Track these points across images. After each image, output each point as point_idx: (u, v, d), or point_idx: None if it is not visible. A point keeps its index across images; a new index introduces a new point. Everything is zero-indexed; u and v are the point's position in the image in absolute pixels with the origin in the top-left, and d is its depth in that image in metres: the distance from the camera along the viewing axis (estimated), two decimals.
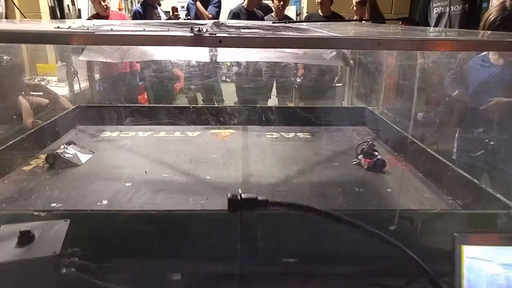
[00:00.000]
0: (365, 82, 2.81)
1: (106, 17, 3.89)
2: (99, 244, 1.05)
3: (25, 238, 0.92)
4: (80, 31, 0.97)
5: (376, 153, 1.84)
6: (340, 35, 0.97)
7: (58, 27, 1.16)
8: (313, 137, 2.23)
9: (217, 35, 0.94)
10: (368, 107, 2.55)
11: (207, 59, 1.30)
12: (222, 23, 1.41)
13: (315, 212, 0.63)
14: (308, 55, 1.48)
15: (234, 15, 4.12)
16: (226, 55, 1.33)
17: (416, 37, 1.07)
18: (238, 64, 3.86)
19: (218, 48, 1.23)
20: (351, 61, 1.98)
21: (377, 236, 0.65)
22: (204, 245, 1.10)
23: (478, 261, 0.94)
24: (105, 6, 3.79)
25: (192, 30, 0.92)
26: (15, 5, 3.38)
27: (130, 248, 1.09)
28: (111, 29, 1.10)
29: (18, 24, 1.79)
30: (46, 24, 1.71)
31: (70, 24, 1.36)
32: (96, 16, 4.08)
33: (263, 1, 4.78)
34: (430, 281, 0.66)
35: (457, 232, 0.96)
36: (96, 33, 0.90)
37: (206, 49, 1.29)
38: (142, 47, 1.22)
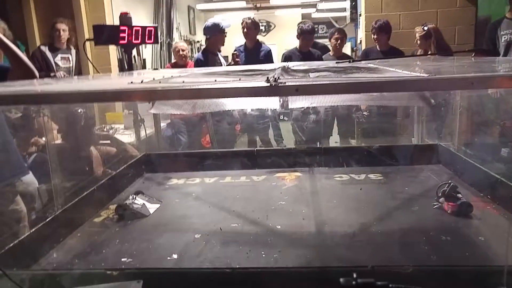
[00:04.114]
0: (436, 116, 2.63)
1: (184, 66, 4.21)
2: None
3: None
4: (155, 88, 0.96)
5: (460, 195, 1.67)
6: (425, 75, 0.88)
7: (132, 82, 1.18)
8: (386, 178, 2.08)
9: (293, 83, 0.89)
10: (442, 144, 2.36)
11: (278, 106, 1.26)
12: (289, 67, 1.38)
13: None
14: (385, 96, 1.40)
15: (286, 58, 4.17)
16: (298, 101, 1.29)
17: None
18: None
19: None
20: (432, 100, 1.85)
21: None
22: None
23: None
24: (183, 56, 4.25)
25: (268, 80, 0.88)
26: (90, 61, 3.67)
27: None
28: (183, 82, 1.09)
29: (93, 81, 1.89)
30: (118, 80, 1.78)
31: (141, 78, 1.39)
32: (175, 64, 4.42)
33: (319, 41, 4.80)
34: None
35: None
36: (172, 88, 0.89)
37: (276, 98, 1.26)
38: None
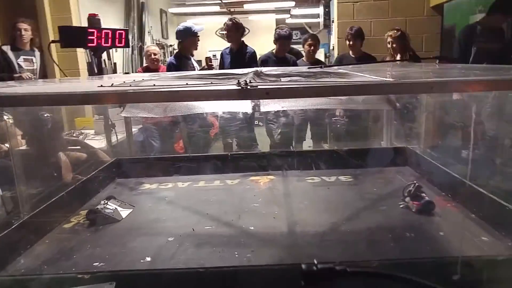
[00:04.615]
0: (404, 121, 2.73)
1: (156, 70, 4.15)
2: None
3: None
4: (126, 90, 0.97)
5: (424, 195, 1.75)
6: (391, 80, 0.93)
7: (101, 86, 1.17)
8: (356, 180, 2.15)
9: (264, 87, 0.92)
10: (409, 147, 2.45)
11: (250, 110, 1.28)
12: (261, 71, 1.41)
13: (399, 279, 0.55)
14: (353, 100, 1.45)
15: (263, 62, 4.19)
16: (269, 105, 1.32)
17: (470, 78, 1.02)
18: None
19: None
20: (397, 104, 1.93)
21: None
22: None
23: None
24: (155, 60, 4.20)
25: (239, 83, 0.90)
26: (56, 64, 3.56)
27: None
28: (154, 85, 1.10)
29: (60, 84, 1.86)
30: (87, 83, 1.76)
31: (112, 82, 1.39)
32: (146, 68, 4.35)
33: (294, 47, 4.85)
34: None
35: None
36: (143, 90, 0.90)
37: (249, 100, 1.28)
38: None
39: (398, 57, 3.79)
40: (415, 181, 1.83)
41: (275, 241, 1.46)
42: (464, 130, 2.77)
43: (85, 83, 1.65)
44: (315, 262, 0.57)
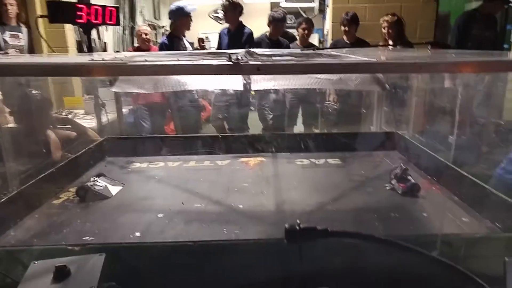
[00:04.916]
0: (394, 106, 2.76)
1: (147, 50, 4.09)
2: (135, 277, 1.02)
3: (61, 274, 0.89)
4: (118, 63, 0.97)
5: (410, 178, 1.78)
6: (381, 60, 0.94)
7: (92, 60, 1.17)
8: (344, 163, 2.18)
9: (255, 62, 0.93)
10: (398, 132, 2.48)
11: (241, 88, 1.29)
12: (253, 52, 1.42)
13: (376, 240, 0.58)
14: (343, 81, 1.46)
15: (256, 44, 4.16)
16: (260, 83, 1.32)
17: (457, 59, 1.03)
18: (263, 92, 3.90)
19: (252, 77, 1.22)
20: (387, 85, 1.95)
21: (437, 262, 0.60)
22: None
23: None
24: (146, 40, 4.11)
25: (230, 59, 0.91)
26: (44, 40, 3.47)
27: (168, 281, 1.05)
28: (145, 60, 1.10)
29: (50, 58, 1.84)
30: (77, 58, 1.75)
31: (103, 57, 1.38)
32: (137, 48, 4.28)
33: (289, 30, 4.81)
34: None
35: (508, 257, 0.92)
36: (134, 64, 0.90)
37: (240, 77, 1.28)
38: (176, 76, 1.22)
39: (391, 43, 3.79)
40: (402, 164, 1.87)
41: (262, 218, 1.49)
42: (452, 116, 2.82)
43: (75, 59, 1.63)
44: (298, 222, 0.59)
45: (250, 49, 1.72)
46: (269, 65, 0.94)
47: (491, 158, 2.15)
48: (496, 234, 1.35)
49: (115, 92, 2.57)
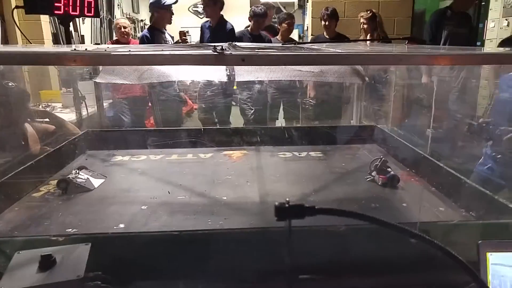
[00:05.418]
0: (373, 101, 2.82)
1: (126, 43, 4.01)
2: (121, 267, 1.02)
3: (47, 263, 0.89)
4: (103, 53, 0.96)
5: (389, 169, 1.83)
6: (363, 52, 0.97)
7: (75, 49, 1.16)
8: (325, 155, 2.22)
9: (239, 53, 0.94)
10: (378, 125, 2.54)
11: (225, 79, 1.30)
12: (236, 44, 1.43)
13: (362, 218, 0.61)
14: (324, 73, 1.49)
15: (238, 38, 4.15)
16: (244, 74, 1.34)
17: (436, 52, 1.07)
18: (245, 87, 3.91)
19: (236, 68, 1.23)
20: (367, 78, 1.99)
21: (420, 239, 0.63)
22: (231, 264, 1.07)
23: (501, 267, 0.96)
24: (125, 33, 3.99)
25: (215, 49, 0.92)
26: (21, 31, 3.38)
27: (154, 270, 1.06)
28: (129, 50, 1.10)
29: (34, 48, 1.79)
30: (60, 48, 1.72)
31: (85, 48, 1.37)
32: (116, 42, 4.19)
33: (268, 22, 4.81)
34: (469, 274, 0.64)
35: (482, 240, 0.97)
36: (120, 53, 0.90)
37: (223, 69, 1.29)
38: (160, 68, 1.22)
39: (369, 37, 3.87)
40: (381, 156, 1.92)
41: (246, 209, 1.51)
42: (429, 110, 2.91)
43: (59, 49, 1.60)
44: (287, 200, 0.61)
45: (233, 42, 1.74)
46: (254, 56, 0.95)
47: (466, 152, 2.22)
48: (470, 221, 1.41)
49: (96, 84, 2.55)
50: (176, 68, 1.24)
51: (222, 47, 0.97)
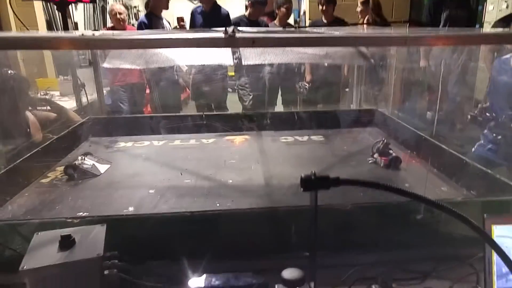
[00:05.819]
0: (374, 84, 2.84)
1: (122, 30, 3.96)
2: (135, 246, 1.05)
3: (67, 242, 0.92)
4: (114, 37, 0.97)
5: (391, 151, 1.87)
6: (371, 33, 0.99)
7: (82, 35, 1.17)
8: (327, 139, 2.25)
9: (250, 36, 0.96)
10: (378, 109, 2.57)
11: (232, 63, 1.31)
12: (239, 30, 1.43)
13: (384, 188, 0.64)
14: (329, 55, 1.51)
15: (235, 24, 4.12)
16: (249, 57, 1.34)
17: (441, 33, 1.09)
18: (243, 73, 3.91)
19: (243, 52, 1.24)
20: (372, 60, 2.01)
21: (441, 208, 0.67)
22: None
23: (505, 239, 0.98)
24: (120, 20, 3.93)
25: (226, 32, 0.93)
26: (17, 17, 3.33)
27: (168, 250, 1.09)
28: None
29: (32, 34, 1.79)
30: (67, 34, 1.72)
31: (92, 33, 1.37)
32: (112, 28, 4.15)
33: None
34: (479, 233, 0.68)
35: (486, 214, 1.00)
36: (131, 38, 0.91)
37: (229, 52, 1.30)
38: (167, 52, 1.23)
39: (366, 21, 3.88)
40: (383, 139, 1.94)
41: (252, 191, 1.54)
42: (429, 93, 2.94)
43: (57, 34, 1.60)
44: (313, 171, 0.64)
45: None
46: (264, 38, 0.97)
47: (466, 134, 2.26)
48: (471, 199, 1.45)
49: (95, 71, 2.54)
50: (183, 52, 1.25)
51: (233, 29, 0.99)
